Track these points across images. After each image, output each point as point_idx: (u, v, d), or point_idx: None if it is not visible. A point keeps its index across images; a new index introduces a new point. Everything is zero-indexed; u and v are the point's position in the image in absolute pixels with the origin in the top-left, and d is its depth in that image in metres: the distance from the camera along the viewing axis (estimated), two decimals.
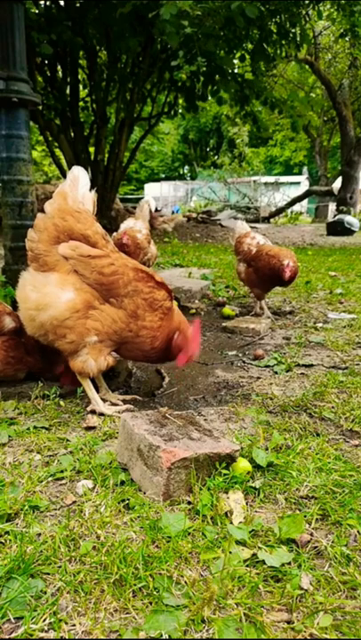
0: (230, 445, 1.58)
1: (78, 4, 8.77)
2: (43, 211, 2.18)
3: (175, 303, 2.45)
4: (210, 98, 10.47)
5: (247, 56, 9.62)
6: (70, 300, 2.08)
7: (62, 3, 8.88)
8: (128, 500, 1.46)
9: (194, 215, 17.85)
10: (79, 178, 2.18)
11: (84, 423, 2.06)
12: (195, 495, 1.45)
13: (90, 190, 2.22)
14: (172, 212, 22.51)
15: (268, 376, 2.80)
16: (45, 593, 1.10)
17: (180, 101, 11.70)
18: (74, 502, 1.47)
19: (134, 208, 11.02)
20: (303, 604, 1.08)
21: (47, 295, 2.08)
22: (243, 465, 1.58)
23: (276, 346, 3.43)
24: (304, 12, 9.08)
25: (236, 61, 10.41)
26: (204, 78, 9.46)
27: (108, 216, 10.58)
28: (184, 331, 2.33)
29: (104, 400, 2.31)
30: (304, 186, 29.12)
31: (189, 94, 10.41)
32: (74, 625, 1.02)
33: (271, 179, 27.08)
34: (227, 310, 4.38)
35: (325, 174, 25.71)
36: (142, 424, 1.63)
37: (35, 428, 2.00)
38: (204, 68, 8.53)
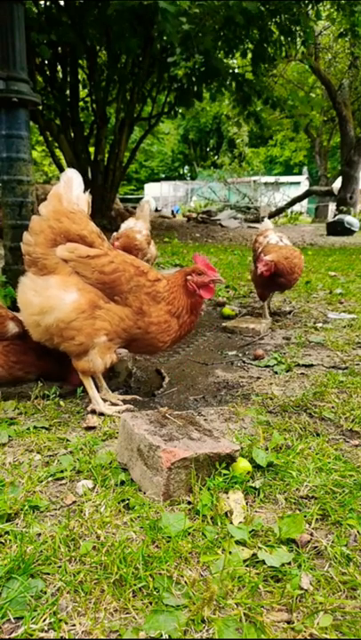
0: (230, 445, 1.58)
1: (78, 4, 8.78)
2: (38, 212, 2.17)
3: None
4: (205, 97, 10.51)
5: (248, 54, 9.64)
6: (75, 300, 2.07)
7: (62, 3, 8.89)
8: (128, 499, 1.46)
9: (194, 215, 17.86)
10: (73, 179, 2.18)
11: (84, 423, 2.06)
12: (195, 495, 1.45)
13: (84, 192, 2.22)
14: (172, 212, 22.53)
15: (268, 376, 2.80)
16: (45, 593, 1.10)
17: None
18: (74, 502, 1.47)
19: (134, 208, 11.02)
20: (303, 604, 1.08)
21: (50, 298, 2.07)
22: (243, 465, 1.58)
23: (276, 346, 3.43)
24: (304, 12, 9.09)
25: (235, 61, 10.45)
26: (200, 75, 9.47)
27: (108, 216, 10.59)
28: (195, 270, 2.31)
29: (104, 400, 2.31)
30: (304, 186, 29.10)
31: (183, 91, 10.46)
32: (74, 625, 1.02)
33: (271, 179, 27.06)
34: (227, 310, 4.38)
35: (325, 174, 25.70)
36: (142, 424, 1.63)
37: (35, 427, 2.00)
38: (203, 68, 8.55)
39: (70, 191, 2.16)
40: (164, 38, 7.33)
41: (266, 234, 4.27)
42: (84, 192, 2.22)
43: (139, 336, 2.25)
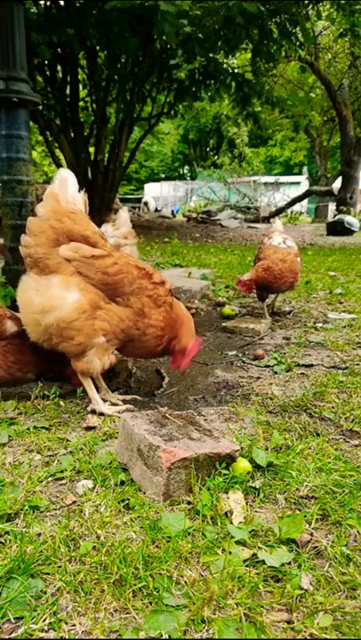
0: (230, 445, 1.58)
1: (78, 4, 8.77)
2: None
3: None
4: (204, 97, 10.56)
5: (248, 54, 9.68)
6: (76, 300, 2.07)
7: (62, 3, 8.88)
8: (128, 499, 1.46)
9: (194, 215, 17.86)
10: (67, 179, 2.16)
11: (84, 423, 2.06)
12: (195, 495, 1.45)
13: (79, 191, 2.21)
14: (172, 212, 22.54)
15: (268, 376, 2.80)
16: (45, 593, 1.10)
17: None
18: (74, 502, 1.47)
19: (134, 208, 11.02)
20: (303, 604, 1.08)
21: (52, 298, 2.06)
22: (243, 465, 1.58)
23: (276, 346, 3.43)
24: (304, 12, 9.10)
25: (235, 60, 10.49)
26: (199, 78, 9.51)
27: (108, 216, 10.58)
28: (184, 341, 2.37)
29: (104, 400, 2.31)
30: (304, 186, 29.10)
31: (182, 89, 10.50)
32: (74, 625, 1.02)
33: (271, 179, 27.07)
34: (227, 310, 4.38)
35: (325, 174, 25.71)
36: (142, 424, 1.63)
37: (35, 427, 2.00)
38: (202, 70, 8.57)
39: (65, 191, 2.15)
40: (164, 38, 7.33)
41: (271, 235, 4.30)
42: (79, 191, 2.21)
43: (136, 337, 2.25)
